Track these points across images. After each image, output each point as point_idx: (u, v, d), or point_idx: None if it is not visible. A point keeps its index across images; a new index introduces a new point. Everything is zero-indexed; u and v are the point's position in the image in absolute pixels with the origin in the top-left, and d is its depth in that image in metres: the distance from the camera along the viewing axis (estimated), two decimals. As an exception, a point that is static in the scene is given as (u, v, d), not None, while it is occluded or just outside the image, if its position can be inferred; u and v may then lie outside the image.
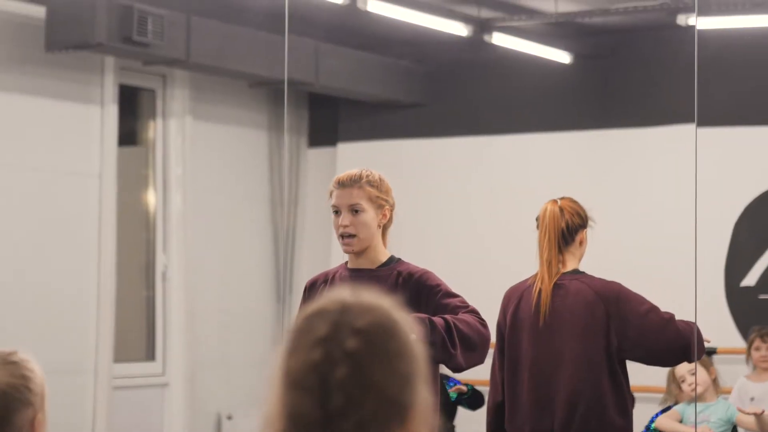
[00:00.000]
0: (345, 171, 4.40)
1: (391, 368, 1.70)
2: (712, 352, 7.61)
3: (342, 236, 4.31)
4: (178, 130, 9.28)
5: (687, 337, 4.86)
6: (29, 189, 8.31)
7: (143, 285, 9.23)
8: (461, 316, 4.13)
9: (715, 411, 6.45)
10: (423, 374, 1.73)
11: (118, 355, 8.70)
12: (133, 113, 9.26)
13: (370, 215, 4.29)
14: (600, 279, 4.94)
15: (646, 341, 4.83)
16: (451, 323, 4.05)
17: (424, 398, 1.72)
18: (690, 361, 5.05)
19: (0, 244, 8.11)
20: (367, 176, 4.31)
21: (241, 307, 9.72)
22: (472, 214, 9.55)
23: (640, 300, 4.88)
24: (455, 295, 4.26)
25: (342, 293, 1.76)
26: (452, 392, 7.00)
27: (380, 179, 4.34)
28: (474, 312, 4.21)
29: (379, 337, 1.71)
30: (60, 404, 8.19)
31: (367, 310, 1.73)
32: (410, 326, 1.76)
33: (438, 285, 4.24)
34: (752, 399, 6.95)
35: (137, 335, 9.20)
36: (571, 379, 4.83)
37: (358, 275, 4.33)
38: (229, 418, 9.45)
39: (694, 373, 6.25)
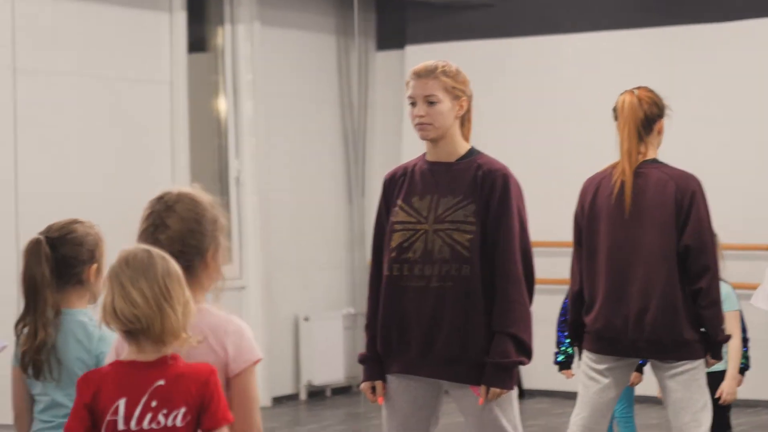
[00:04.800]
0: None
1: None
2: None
3: (417, 125, 4.31)
4: (247, 35, 9.29)
5: (712, 285, 4.77)
6: (101, 97, 8.36)
7: (217, 190, 9.30)
8: (512, 294, 4.14)
9: None
10: None
11: (195, 259, 8.77)
12: (201, 19, 9.27)
13: (446, 105, 4.27)
14: (680, 170, 4.89)
15: (683, 250, 4.78)
16: (519, 337, 4.15)
17: None
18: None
19: (76, 155, 8.20)
20: (443, 67, 4.30)
21: (314, 210, 9.77)
22: (543, 114, 9.49)
23: (707, 212, 4.81)
24: (513, 232, 4.17)
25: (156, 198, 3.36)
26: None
27: (457, 70, 4.33)
28: (522, 261, 4.19)
29: (190, 205, 3.31)
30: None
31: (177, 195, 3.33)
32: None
33: (510, 206, 4.18)
34: None
35: (213, 240, 9.27)
36: (646, 269, 4.80)
37: (436, 168, 4.32)
38: (306, 319, 9.55)
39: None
